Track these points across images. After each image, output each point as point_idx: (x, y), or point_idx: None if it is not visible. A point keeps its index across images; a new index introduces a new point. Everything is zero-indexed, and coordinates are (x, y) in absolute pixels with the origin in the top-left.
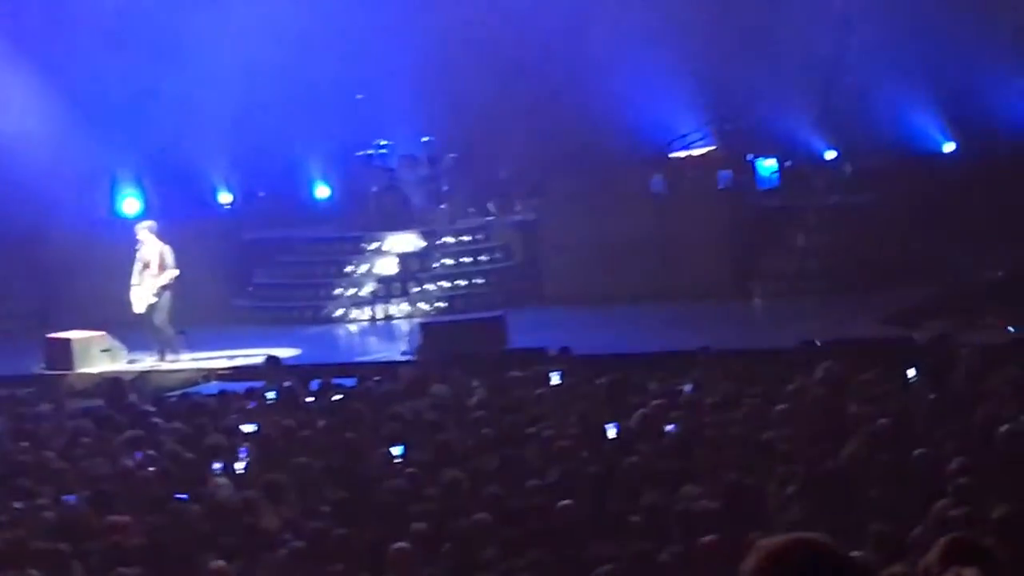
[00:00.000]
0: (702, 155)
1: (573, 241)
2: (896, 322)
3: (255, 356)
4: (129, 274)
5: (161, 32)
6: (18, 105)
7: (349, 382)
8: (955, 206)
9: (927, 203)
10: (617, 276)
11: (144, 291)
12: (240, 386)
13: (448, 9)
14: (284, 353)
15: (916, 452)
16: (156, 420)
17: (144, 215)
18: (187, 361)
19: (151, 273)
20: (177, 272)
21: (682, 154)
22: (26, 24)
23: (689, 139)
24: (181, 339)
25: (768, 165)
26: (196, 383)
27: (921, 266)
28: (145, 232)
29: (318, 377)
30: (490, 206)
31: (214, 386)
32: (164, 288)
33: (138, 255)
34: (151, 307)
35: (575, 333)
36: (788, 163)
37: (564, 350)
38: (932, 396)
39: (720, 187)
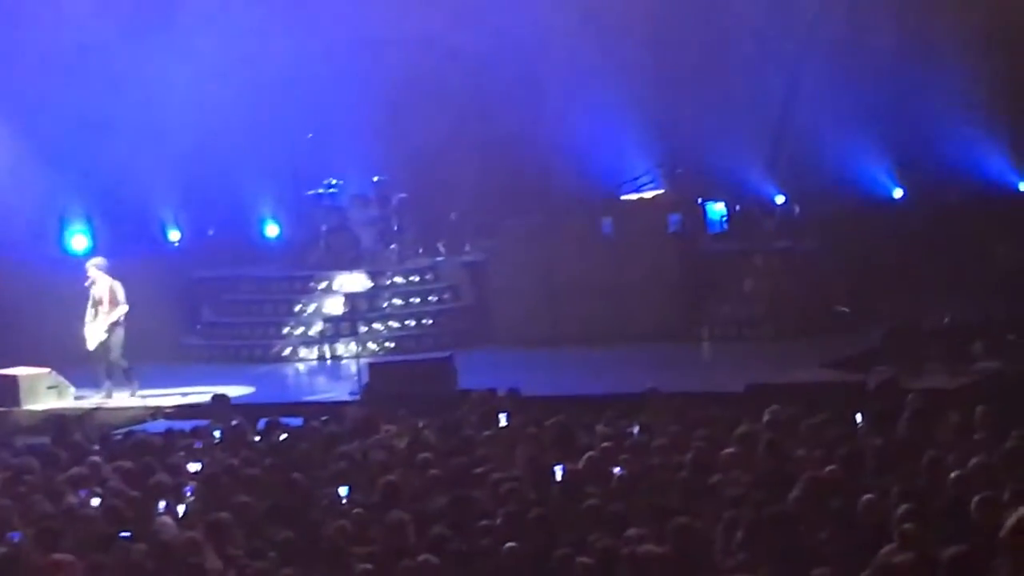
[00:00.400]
0: (652, 198)
1: (522, 283)
2: (843, 367)
3: (202, 394)
4: (77, 311)
5: (113, 66)
6: None
7: (296, 421)
8: (903, 252)
9: (875, 249)
10: (566, 318)
11: (96, 328)
12: (187, 424)
13: (400, 49)
14: (232, 391)
15: (863, 497)
16: (101, 458)
17: (93, 252)
18: (134, 399)
19: (103, 310)
20: (127, 308)
21: (632, 197)
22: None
23: (639, 182)
24: (133, 374)
25: (718, 209)
26: (142, 421)
27: (868, 311)
28: (95, 269)
29: (265, 416)
30: (440, 247)
31: (160, 424)
32: (115, 324)
33: (90, 292)
34: (102, 344)
35: (524, 374)
36: (737, 207)
37: (512, 391)
38: (879, 441)
39: (670, 230)
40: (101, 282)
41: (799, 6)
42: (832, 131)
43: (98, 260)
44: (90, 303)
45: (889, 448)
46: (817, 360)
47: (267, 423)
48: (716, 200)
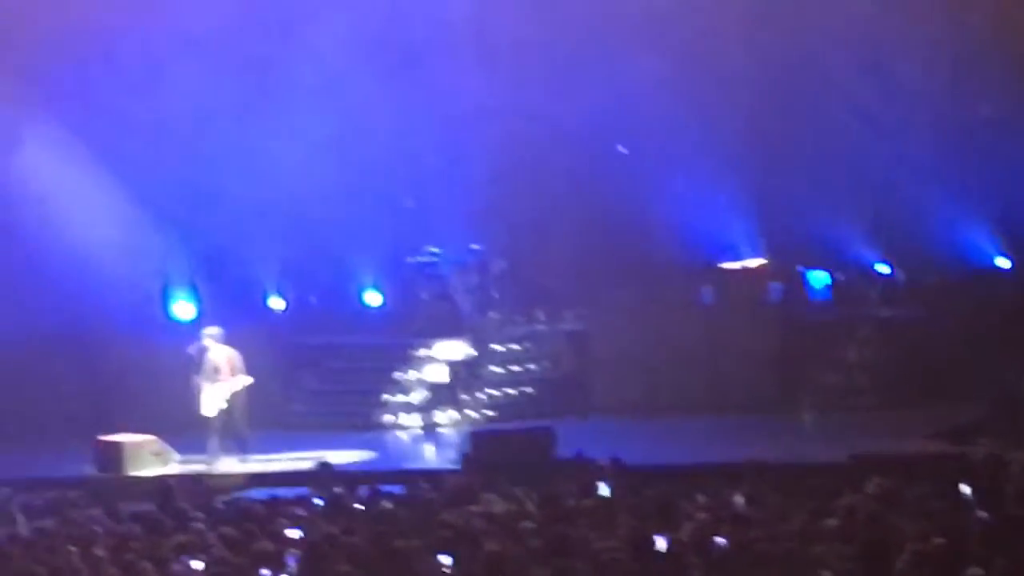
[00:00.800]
0: (753, 267)
1: (622, 352)
2: (947, 438)
3: (305, 461)
4: (181, 378)
5: (220, 136)
6: (83, 206)
7: (397, 489)
8: (1008, 321)
9: (980, 318)
10: (666, 387)
11: (215, 395)
12: (289, 491)
13: (502, 120)
14: (334, 459)
15: (968, 572)
16: (204, 525)
17: (198, 320)
18: (237, 465)
19: (223, 378)
20: (251, 380)
21: (733, 265)
22: (94, 127)
23: (740, 250)
24: (245, 443)
25: (819, 277)
26: (245, 488)
27: (973, 382)
28: (210, 339)
29: (367, 484)
30: (539, 315)
31: (263, 491)
32: (237, 393)
33: (206, 359)
34: (222, 411)
35: (623, 443)
36: (839, 276)
37: (615, 461)
38: (984, 515)
39: (770, 299)
40: (219, 350)
41: (901, 75)
42: (937, 198)
43: (214, 329)
44: (205, 370)
45: (994, 522)
46: (921, 430)
47: (369, 491)
48: (818, 268)
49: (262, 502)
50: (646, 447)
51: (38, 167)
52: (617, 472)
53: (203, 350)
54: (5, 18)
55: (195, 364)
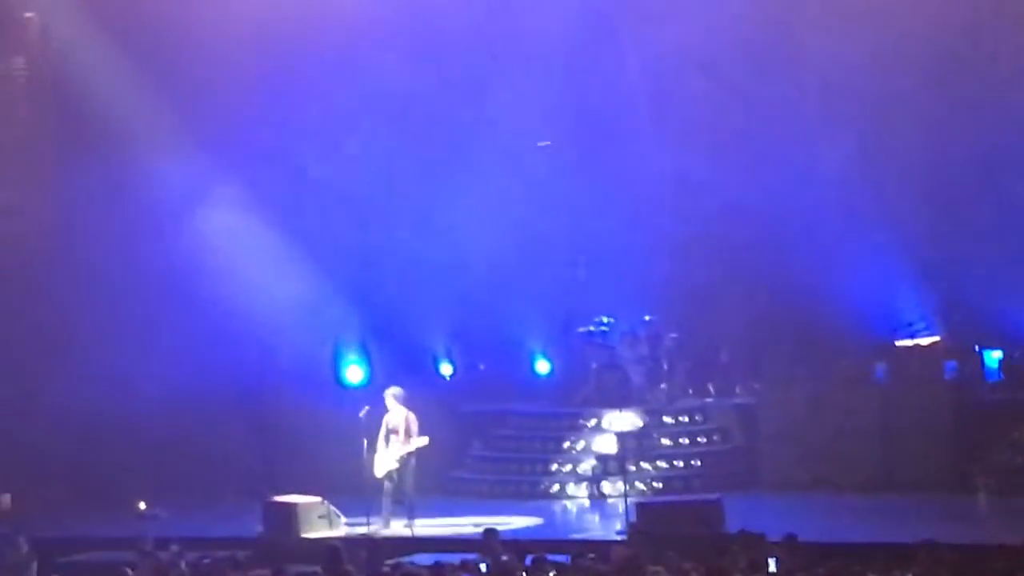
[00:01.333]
0: (928, 344)
1: (792, 427)
2: None
3: (470, 528)
4: (351, 441)
5: (392, 202)
6: (260, 269)
7: (563, 559)
8: None
9: None
10: (837, 463)
11: (388, 457)
12: (455, 557)
13: (673, 192)
14: (500, 526)
15: None
16: None
17: (368, 383)
18: (404, 530)
19: (397, 439)
20: (427, 440)
21: (907, 342)
22: (271, 190)
23: (915, 327)
24: (412, 507)
25: (995, 356)
26: (411, 552)
27: None
28: (392, 399)
29: (533, 552)
30: (709, 387)
31: (429, 556)
32: (410, 455)
33: (384, 421)
34: (392, 472)
35: (792, 519)
36: (1016, 355)
37: (789, 536)
38: None
39: (946, 377)
40: (397, 412)
41: None
42: None
43: (396, 390)
44: (383, 432)
45: None
46: None
47: (534, 559)
48: (994, 348)
49: (427, 567)
50: (816, 524)
51: (218, 229)
52: (787, 548)
53: (376, 412)
54: (188, 82)
55: (365, 427)
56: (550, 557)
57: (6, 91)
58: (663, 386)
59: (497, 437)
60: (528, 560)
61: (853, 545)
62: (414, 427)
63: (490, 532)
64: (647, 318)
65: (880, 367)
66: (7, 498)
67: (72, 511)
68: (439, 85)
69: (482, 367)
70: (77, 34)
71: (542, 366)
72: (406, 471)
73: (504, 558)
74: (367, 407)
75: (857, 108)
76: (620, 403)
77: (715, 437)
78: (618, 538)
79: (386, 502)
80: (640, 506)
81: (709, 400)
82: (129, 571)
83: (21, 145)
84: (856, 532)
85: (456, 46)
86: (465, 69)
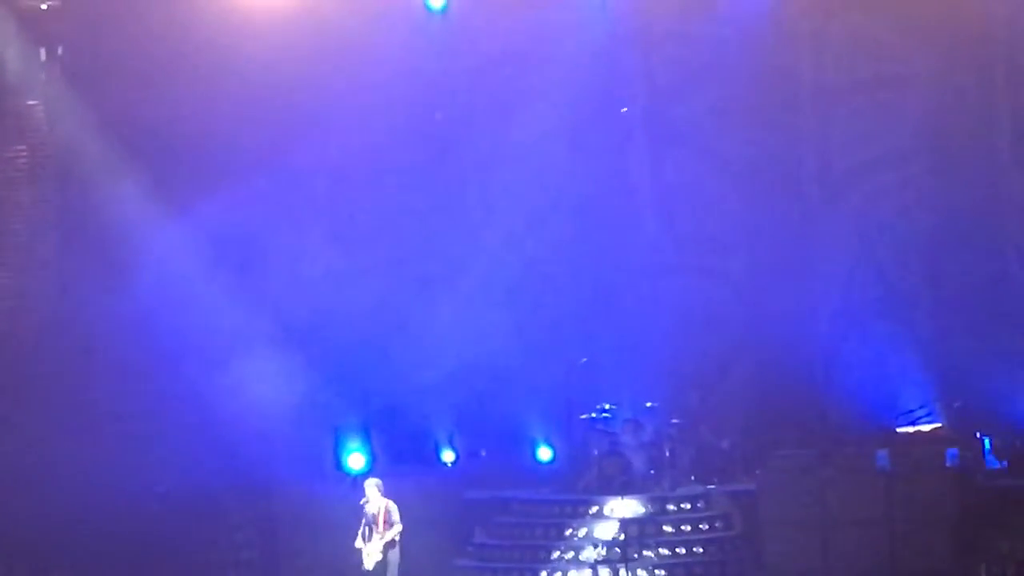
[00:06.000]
0: (929, 431)
1: (794, 514)
2: None
3: None
4: (352, 530)
5: (387, 289)
6: (258, 357)
7: None
8: None
9: None
10: (839, 551)
11: (372, 548)
12: None
13: (675, 277)
14: None
15: None
16: None
17: (369, 471)
18: None
19: (377, 530)
20: (400, 528)
21: (909, 429)
22: (268, 279)
23: (916, 414)
24: None
25: (990, 442)
26: None
27: None
28: (372, 489)
29: None
30: (711, 474)
31: None
32: (390, 544)
33: (364, 511)
34: (379, 564)
35: None
36: (1018, 443)
37: None
38: None
39: (948, 464)
40: (376, 502)
41: None
42: None
43: (375, 480)
44: (364, 522)
45: None
46: None
47: None
48: (993, 435)
49: None
50: None
51: (215, 319)
52: None
53: (364, 503)
54: (188, 172)
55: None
56: None
57: (8, 177)
58: (665, 473)
59: (499, 524)
60: None
61: None
62: (395, 515)
63: None
64: (649, 404)
65: (882, 454)
66: None
67: None
68: (437, 164)
69: (484, 454)
70: (79, 122)
71: (544, 453)
72: (390, 560)
73: None
74: (366, 497)
75: (855, 190)
76: (622, 490)
77: (717, 524)
78: None
79: None
80: None
81: (711, 487)
82: None
83: (22, 230)
84: None
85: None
86: (461, 151)
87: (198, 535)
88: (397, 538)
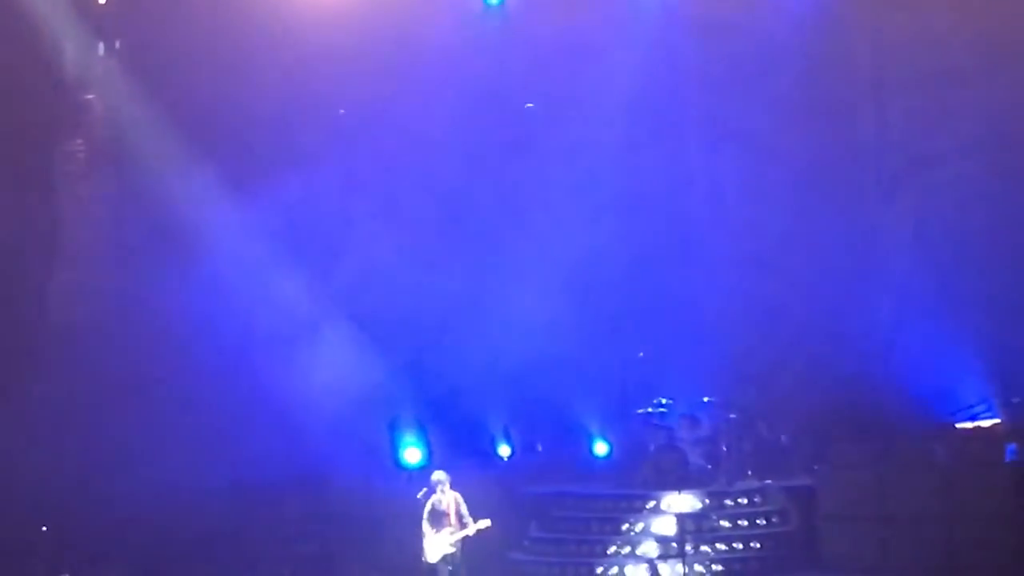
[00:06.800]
0: (988, 427)
1: (852, 509)
2: None
3: None
4: (409, 523)
5: (447, 282)
6: (319, 350)
7: None
8: None
9: None
10: (897, 546)
11: (443, 541)
12: None
13: (732, 270)
14: None
15: None
16: None
17: (426, 465)
18: None
19: (449, 523)
20: (489, 523)
21: (968, 425)
22: (329, 272)
23: (975, 410)
24: None
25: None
26: None
27: None
28: (439, 483)
29: None
30: (768, 469)
31: None
32: (464, 540)
33: (434, 504)
34: (447, 557)
35: None
36: None
37: None
38: None
39: (1006, 460)
40: (448, 495)
41: None
42: None
43: (441, 474)
44: (431, 515)
45: None
46: None
47: None
48: None
49: None
50: None
51: (280, 309)
52: None
53: (430, 495)
54: (248, 163)
55: (422, 510)
56: None
57: (67, 171)
58: (722, 468)
59: (555, 519)
60: None
61: None
62: (464, 509)
63: None
64: (706, 399)
65: (940, 450)
66: None
67: None
68: (497, 157)
69: (540, 448)
70: (138, 115)
71: (600, 448)
72: (460, 555)
73: None
74: (425, 488)
75: (915, 192)
76: (678, 485)
77: (774, 519)
78: None
79: None
80: None
81: (768, 482)
82: None
83: (82, 224)
84: None
85: (511, 115)
86: (520, 144)
87: (257, 528)
88: (472, 533)
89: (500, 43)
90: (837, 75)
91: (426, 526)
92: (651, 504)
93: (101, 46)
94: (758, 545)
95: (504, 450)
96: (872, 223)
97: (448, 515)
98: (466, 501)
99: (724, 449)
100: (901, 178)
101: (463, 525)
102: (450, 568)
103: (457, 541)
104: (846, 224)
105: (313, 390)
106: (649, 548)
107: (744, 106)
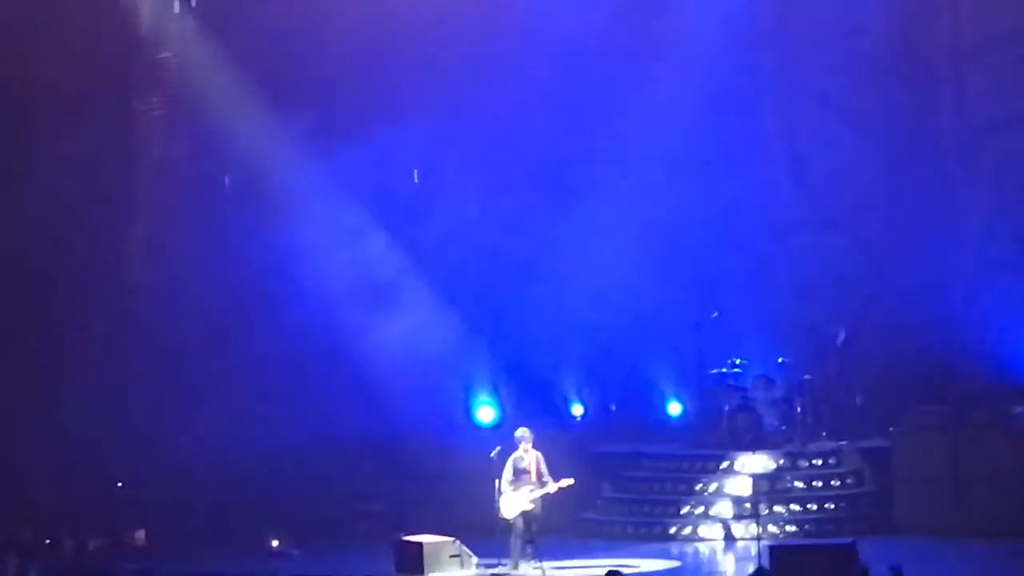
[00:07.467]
0: None
1: (927, 471)
2: None
3: (600, 569)
4: (481, 481)
5: (523, 244)
6: (396, 312)
7: None
8: None
9: None
10: (972, 509)
11: (522, 498)
12: None
13: (804, 231)
14: (628, 569)
15: None
16: None
17: (499, 424)
18: (536, 571)
19: (528, 480)
20: (572, 481)
21: None
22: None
23: None
24: (537, 548)
25: None
26: None
27: None
28: (522, 440)
29: None
30: (843, 430)
31: None
32: (542, 498)
33: (515, 460)
34: (525, 514)
35: (927, 565)
36: None
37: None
38: None
39: None
40: (529, 453)
41: None
42: None
43: (525, 431)
44: (508, 472)
45: None
46: None
47: None
48: None
49: None
50: (950, 569)
51: (364, 268)
52: None
53: (510, 453)
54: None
55: (498, 468)
56: None
57: (144, 129)
58: (796, 429)
59: (628, 479)
60: None
61: None
62: (543, 467)
63: (613, 574)
64: (781, 360)
65: (1018, 411)
66: (142, 534)
67: (206, 548)
68: (569, 128)
69: (613, 408)
70: (214, 73)
71: (674, 408)
72: (537, 513)
73: None
74: (498, 447)
75: (995, 154)
76: (753, 445)
77: (848, 480)
78: None
79: (517, 543)
80: (772, 549)
81: (843, 443)
82: None
83: (159, 182)
84: None
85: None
86: (595, 106)
87: (333, 484)
88: (553, 491)
89: (584, 3)
90: (917, 37)
91: (504, 483)
92: (725, 464)
93: (176, 4)
94: (832, 506)
95: (577, 410)
96: (950, 185)
97: (528, 472)
98: (544, 458)
99: (799, 410)
100: (981, 140)
101: (543, 484)
102: (527, 525)
103: (537, 499)
104: (925, 185)
105: (392, 349)
106: (723, 508)
107: (823, 68)
